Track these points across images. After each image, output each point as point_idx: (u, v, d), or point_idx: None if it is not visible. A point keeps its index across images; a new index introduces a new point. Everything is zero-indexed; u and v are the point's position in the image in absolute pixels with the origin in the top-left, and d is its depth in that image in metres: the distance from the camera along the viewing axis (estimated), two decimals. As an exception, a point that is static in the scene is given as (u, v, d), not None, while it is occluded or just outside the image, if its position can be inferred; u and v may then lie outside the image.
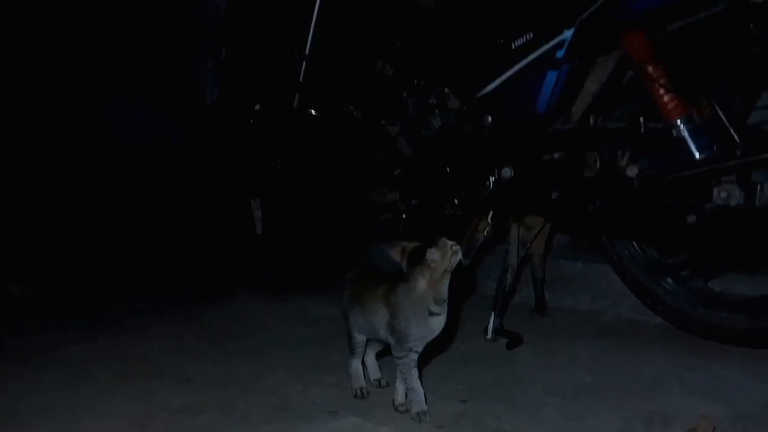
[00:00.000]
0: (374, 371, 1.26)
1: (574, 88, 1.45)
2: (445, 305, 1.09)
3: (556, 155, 1.43)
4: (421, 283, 1.07)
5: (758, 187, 1.23)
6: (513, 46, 1.40)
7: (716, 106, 1.27)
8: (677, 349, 1.41)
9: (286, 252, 1.87)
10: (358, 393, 1.21)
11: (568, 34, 1.33)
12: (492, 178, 1.47)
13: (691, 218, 1.29)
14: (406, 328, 1.08)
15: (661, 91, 1.32)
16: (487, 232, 1.49)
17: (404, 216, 1.66)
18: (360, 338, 1.20)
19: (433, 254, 1.06)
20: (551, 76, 1.37)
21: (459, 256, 1.08)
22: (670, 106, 1.32)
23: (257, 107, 1.78)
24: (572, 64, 1.37)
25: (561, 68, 1.36)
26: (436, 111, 1.58)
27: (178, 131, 2.10)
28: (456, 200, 1.55)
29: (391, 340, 1.12)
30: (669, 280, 1.49)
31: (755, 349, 1.35)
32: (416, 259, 1.08)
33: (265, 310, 1.78)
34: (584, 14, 1.31)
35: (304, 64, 1.73)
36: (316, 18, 1.72)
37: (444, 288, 1.08)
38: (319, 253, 1.89)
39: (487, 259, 1.77)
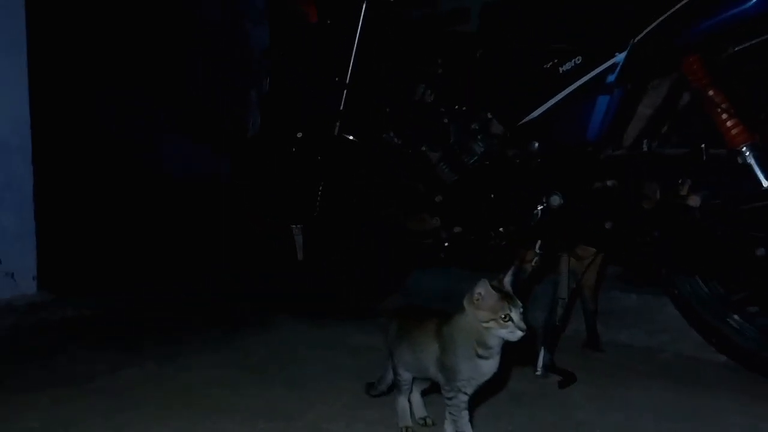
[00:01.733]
0: (420, 410, 1.22)
1: (627, 113, 1.40)
2: (493, 353, 1.03)
3: (609, 183, 1.37)
4: (469, 316, 1.03)
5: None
6: (560, 71, 1.37)
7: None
8: (746, 392, 1.31)
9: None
10: (404, 432, 1.17)
11: (620, 57, 1.29)
12: (540, 207, 1.42)
13: (760, 251, 1.20)
14: (455, 364, 1.04)
15: (724, 116, 1.25)
16: (535, 262, 1.44)
17: (446, 244, 1.63)
18: (406, 376, 1.16)
19: (480, 287, 1.01)
20: (602, 101, 1.32)
21: (512, 321, 0.99)
22: (733, 132, 1.25)
23: (299, 135, 1.79)
24: (624, 89, 1.32)
25: (613, 93, 1.31)
26: (479, 137, 1.54)
27: (222, 162, 2.15)
28: (501, 229, 1.51)
29: (441, 379, 1.07)
30: (735, 317, 1.39)
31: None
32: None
33: (304, 338, 1.76)
34: (637, 37, 1.27)
35: (344, 92, 1.74)
36: (357, 46, 1.73)
37: (488, 339, 1.01)
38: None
39: (535, 290, 1.70)
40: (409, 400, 1.19)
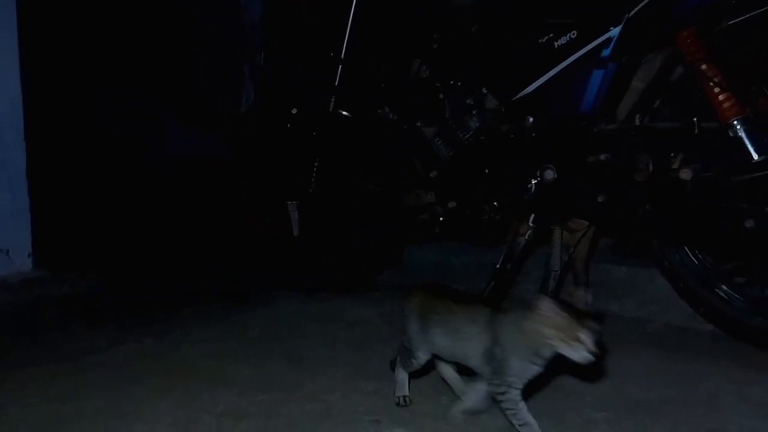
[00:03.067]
0: (458, 385, 1.17)
1: (621, 87, 1.40)
2: (545, 362, 0.99)
3: (602, 157, 1.38)
4: (533, 323, 0.96)
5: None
6: (556, 45, 1.37)
7: (776, 105, 1.21)
8: (733, 360, 1.35)
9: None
10: (401, 401, 1.19)
11: (614, 31, 1.29)
12: (533, 181, 1.43)
13: (749, 223, 1.23)
14: (506, 359, 0.99)
15: (716, 90, 1.26)
16: (529, 236, 1.46)
17: (441, 219, 1.64)
18: (423, 359, 1.13)
19: (543, 306, 0.94)
20: (597, 75, 1.33)
21: (584, 350, 0.91)
22: (725, 105, 1.26)
23: (294, 111, 1.79)
24: (619, 63, 1.33)
25: (607, 67, 1.32)
26: (474, 112, 1.55)
27: (215, 139, 2.13)
28: (495, 203, 1.52)
29: (486, 371, 1.02)
30: (724, 287, 1.42)
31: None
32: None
33: (302, 312, 1.78)
34: (632, 11, 1.27)
35: (339, 67, 1.73)
36: (352, 21, 1.71)
37: (546, 352, 0.97)
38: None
39: (528, 263, 1.73)
40: (444, 378, 1.17)
